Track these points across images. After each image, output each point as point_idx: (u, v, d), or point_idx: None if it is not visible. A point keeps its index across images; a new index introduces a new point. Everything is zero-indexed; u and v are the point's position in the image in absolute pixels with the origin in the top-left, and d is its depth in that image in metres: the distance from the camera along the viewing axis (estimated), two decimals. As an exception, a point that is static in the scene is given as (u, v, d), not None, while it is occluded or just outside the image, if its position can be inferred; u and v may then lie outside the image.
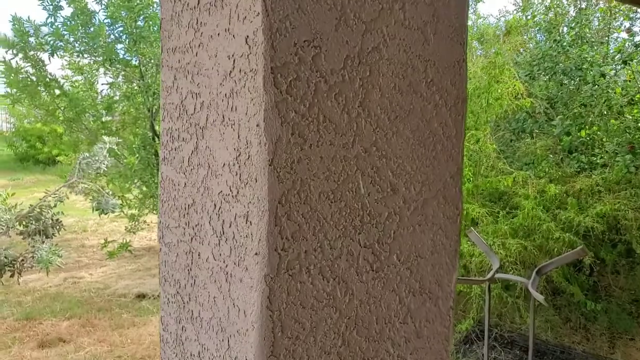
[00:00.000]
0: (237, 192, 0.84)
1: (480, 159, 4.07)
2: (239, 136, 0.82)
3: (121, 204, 6.24)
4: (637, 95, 5.35)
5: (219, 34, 0.86)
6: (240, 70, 0.81)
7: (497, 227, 3.66)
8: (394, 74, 0.92)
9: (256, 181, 0.79)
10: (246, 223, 0.82)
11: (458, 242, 1.09)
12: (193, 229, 0.99)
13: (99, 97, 6.16)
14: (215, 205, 0.91)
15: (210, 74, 0.90)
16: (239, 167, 0.83)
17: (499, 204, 4.03)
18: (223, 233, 0.89)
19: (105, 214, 4.07)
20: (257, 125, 0.77)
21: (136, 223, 6.49)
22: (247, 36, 0.79)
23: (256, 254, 0.81)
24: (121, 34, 5.56)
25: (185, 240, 1.03)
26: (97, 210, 4.11)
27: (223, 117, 0.86)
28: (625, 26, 6.40)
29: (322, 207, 0.85)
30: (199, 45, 0.93)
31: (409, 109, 0.94)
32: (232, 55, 0.83)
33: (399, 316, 0.99)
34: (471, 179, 3.89)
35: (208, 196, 0.93)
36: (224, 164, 0.87)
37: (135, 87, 6.08)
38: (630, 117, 5.05)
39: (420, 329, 1.03)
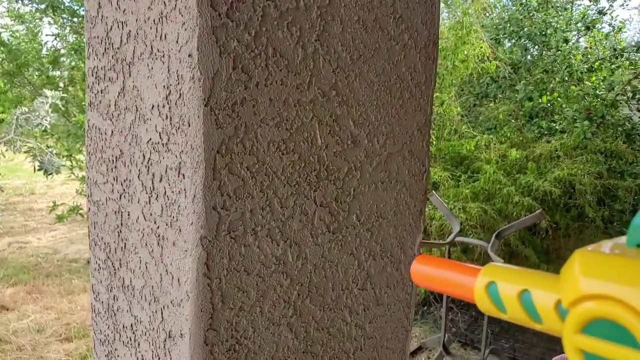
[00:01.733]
0: (168, 140, 0.70)
1: (444, 123, 4.01)
2: (169, 70, 0.68)
3: (71, 165, 5.90)
4: (597, 63, 5.39)
5: (144, -57, 0.70)
6: (169, -12, 0.66)
7: (458, 191, 3.64)
8: (358, 5, 0.78)
9: (189, 125, 0.66)
10: (178, 176, 0.69)
11: (424, 202, 0.99)
12: (122, 184, 0.85)
13: (44, 49, 5.70)
14: (144, 156, 0.77)
15: (136, -4, 0.74)
16: (170, 108, 0.69)
17: (461, 168, 4.01)
18: (153, 189, 0.76)
19: (50, 174, 3.78)
20: (189, 56, 0.63)
21: (88, 185, 6.14)
22: (177, -57, 0.63)
23: (190, 213, 0.68)
24: (65, -20, 5.11)
25: (114, 197, 0.89)
26: (39, 170, 3.82)
27: (152, 48, 0.71)
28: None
29: (272, 160, 0.73)
30: (124, -39, 0.76)
31: (374, 48, 0.82)
32: (161, -30, 0.67)
33: (357, 282, 0.89)
34: (434, 142, 3.83)
35: (136, 145, 0.79)
36: (152, 106, 0.73)
37: (85, 40, 5.64)
38: (590, 84, 5.10)
39: (380, 296, 0.94)
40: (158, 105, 0.71)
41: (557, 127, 4.51)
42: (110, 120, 0.87)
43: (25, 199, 7.91)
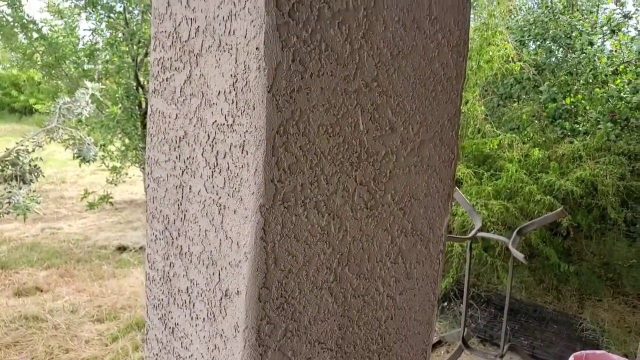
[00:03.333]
0: (233, 122, 0.81)
1: (468, 121, 4.08)
2: (236, 61, 0.79)
3: (103, 156, 6.12)
4: (622, 66, 5.38)
5: (218, -48, 0.81)
6: (240, -9, 0.77)
7: (481, 189, 3.70)
8: (398, 7, 0.88)
9: (254, 109, 0.76)
10: (242, 153, 0.80)
11: (452, 186, 1.09)
12: (184, 162, 0.97)
13: (81, 43, 5.94)
14: (209, 136, 0.88)
15: (207, -3, 0.85)
16: (236, 94, 0.80)
17: (484, 166, 4.07)
18: (217, 164, 0.87)
19: (87, 162, 3.98)
20: (256, 49, 0.74)
21: (118, 175, 6.39)
22: (249, -48, 0.74)
23: (252, 184, 0.79)
24: (104, -23, 5.32)
25: (176, 174, 1.00)
26: (77, 157, 4.01)
27: (220, 42, 0.82)
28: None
29: (321, 141, 0.83)
30: (195, -34, 0.88)
31: (412, 45, 0.91)
32: (232, -25, 0.78)
33: (390, 256, 0.99)
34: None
35: (201, 127, 0.90)
36: (219, 92, 0.84)
37: (120, 35, 5.86)
38: (614, 87, 5.09)
39: (410, 270, 1.04)
40: (224, 92, 0.82)
41: (580, 128, 4.53)
42: (175, 105, 0.98)
43: (57, 187, 8.20)
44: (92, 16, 5.48)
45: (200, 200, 0.93)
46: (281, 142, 0.78)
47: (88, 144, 3.87)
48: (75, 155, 4.05)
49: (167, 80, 1.00)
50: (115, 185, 6.17)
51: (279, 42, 0.74)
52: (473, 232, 2.92)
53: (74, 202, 7.19)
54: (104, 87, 5.09)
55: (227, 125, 0.83)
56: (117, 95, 5.49)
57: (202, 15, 0.87)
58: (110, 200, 5.46)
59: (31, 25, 5.20)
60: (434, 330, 1.12)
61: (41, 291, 4.31)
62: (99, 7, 5.29)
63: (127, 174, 6.40)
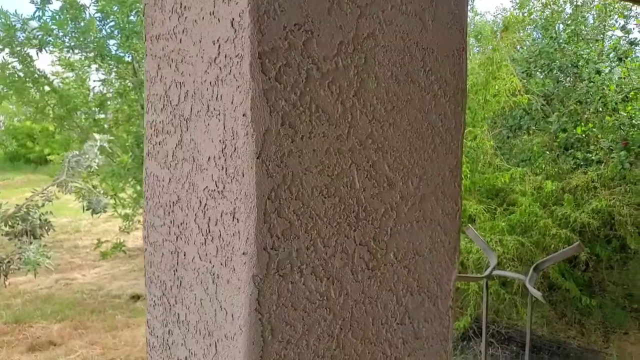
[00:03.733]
0: (224, 188, 0.78)
1: (478, 156, 4.04)
2: (224, 127, 0.77)
3: (114, 204, 6.16)
4: (632, 93, 5.33)
5: (203, 18, 0.81)
6: (225, 56, 0.75)
7: (495, 224, 3.62)
8: (391, 62, 0.86)
9: (243, 176, 0.74)
10: (233, 220, 0.77)
11: (457, 239, 1.04)
12: (178, 227, 0.94)
13: (91, 94, 6.08)
14: (200, 202, 0.85)
15: (194, 62, 0.84)
16: (225, 160, 0.77)
17: (496, 201, 4.00)
18: (209, 231, 0.84)
19: (97, 213, 3.99)
20: (243, 115, 0.72)
21: (130, 223, 6.40)
22: (233, 19, 0.73)
23: (244, 253, 0.75)
24: (113, 29, 5.47)
25: (171, 239, 0.97)
26: (87, 209, 4.03)
27: (208, 107, 0.81)
28: (619, 24, 6.38)
29: (315, 203, 0.80)
30: (183, 31, 0.87)
31: (407, 99, 0.89)
32: (217, 40, 0.77)
33: (396, 317, 0.94)
34: (468, 175, 3.85)
35: (193, 192, 0.87)
36: (209, 158, 0.81)
37: (129, 84, 5.99)
38: (625, 114, 5.03)
39: (418, 330, 0.98)
40: (214, 157, 0.80)
41: (593, 157, 4.46)
42: (168, 169, 0.96)
43: (71, 237, 8.24)
44: (101, 68, 5.63)
45: (195, 268, 0.89)
46: (273, 207, 0.75)
47: (97, 195, 3.89)
48: (85, 207, 4.07)
49: (159, 144, 0.99)
50: (128, 232, 6.18)
51: (267, 107, 0.72)
52: (488, 270, 2.83)
53: (88, 252, 7.20)
54: (113, 137, 5.17)
55: (218, 191, 0.80)
56: (127, 143, 5.57)
57: (191, 80, 0.86)
58: (123, 248, 5.46)
59: (42, 80, 5.35)
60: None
61: (54, 345, 4.26)
62: (108, 58, 5.43)
63: (139, 220, 6.41)
